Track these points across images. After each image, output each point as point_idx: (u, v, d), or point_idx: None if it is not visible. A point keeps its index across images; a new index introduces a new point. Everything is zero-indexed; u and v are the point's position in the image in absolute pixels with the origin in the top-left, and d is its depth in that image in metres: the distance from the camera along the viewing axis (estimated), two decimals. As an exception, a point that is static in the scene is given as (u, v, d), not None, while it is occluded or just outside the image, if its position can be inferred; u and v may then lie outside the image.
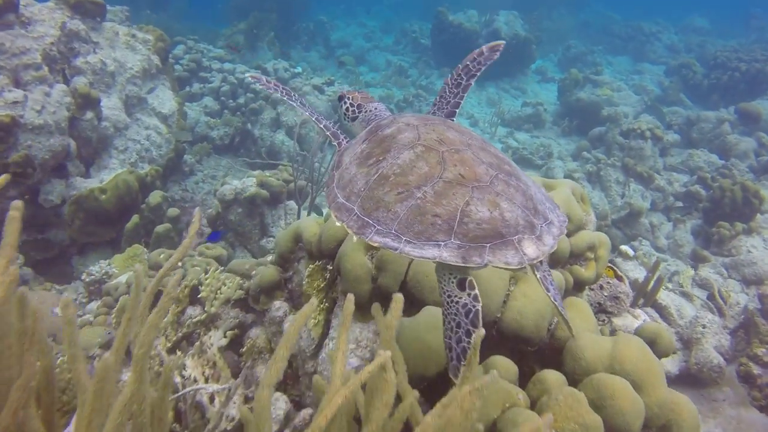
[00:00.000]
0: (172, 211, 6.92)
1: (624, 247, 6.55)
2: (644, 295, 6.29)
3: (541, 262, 2.69)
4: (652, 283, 6.22)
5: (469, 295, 2.55)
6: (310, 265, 3.94)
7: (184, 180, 10.48)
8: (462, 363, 2.48)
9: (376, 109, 3.51)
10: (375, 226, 2.54)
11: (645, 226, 9.67)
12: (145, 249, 6.71)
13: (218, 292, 4.40)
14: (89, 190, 7.06)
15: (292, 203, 7.45)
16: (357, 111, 3.53)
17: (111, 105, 7.57)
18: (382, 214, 2.54)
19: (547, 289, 2.78)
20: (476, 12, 19.20)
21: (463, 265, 2.39)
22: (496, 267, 2.42)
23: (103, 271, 6.25)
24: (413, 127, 2.90)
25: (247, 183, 7.02)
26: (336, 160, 3.14)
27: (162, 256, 5.63)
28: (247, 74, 3.72)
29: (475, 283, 2.56)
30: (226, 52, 13.69)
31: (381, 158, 2.75)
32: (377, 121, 3.27)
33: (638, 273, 6.66)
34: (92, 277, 6.19)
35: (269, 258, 4.83)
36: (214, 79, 12.17)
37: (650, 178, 10.58)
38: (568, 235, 4.12)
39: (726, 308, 6.96)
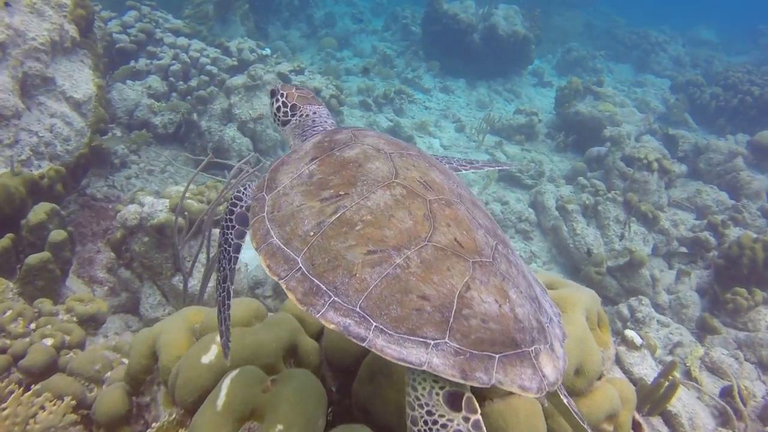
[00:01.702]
0: (56, 235, 5.30)
1: (630, 334, 5.14)
2: (652, 402, 4.89)
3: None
4: (663, 389, 4.82)
5: (466, 419, 1.79)
6: (155, 424, 2.42)
7: (113, 174, 8.86)
8: None
9: (314, 113, 2.85)
10: (330, 296, 1.83)
11: (645, 279, 8.28)
12: (11, 285, 5.11)
13: (31, 422, 2.86)
14: (-47, 196, 5.44)
15: (217, 232, 5.88)
16: (290, 113, 2.86)
17: (-3, 86, 5.91)
18: (342, 278, 1.85)
19: (582, 419, 2.14)
20: (474, 2, 17.56)
21: (461, 381, 1.73)
22: (506, 390, 1.77)
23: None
24: (385, 155, 2.23)
25: (157, 206, 5.42)
26: (266, 177, 2.34)
27: (8, 314, 4.05)
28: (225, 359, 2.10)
29: (476, 404, 1.81)
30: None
31: (342, 193, 2.07)
32: (328, 132, 2.58)
33: (646, 367, 5.25)
34: (-72, 322, 4.59)
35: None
36: (164, 54, 10.44)
37: (655, 218, 9.17)
38: (578, 394, 2.66)
39: (746, 412, 5.60)
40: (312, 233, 1.97)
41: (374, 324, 1.77)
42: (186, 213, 5.53)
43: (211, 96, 9.84)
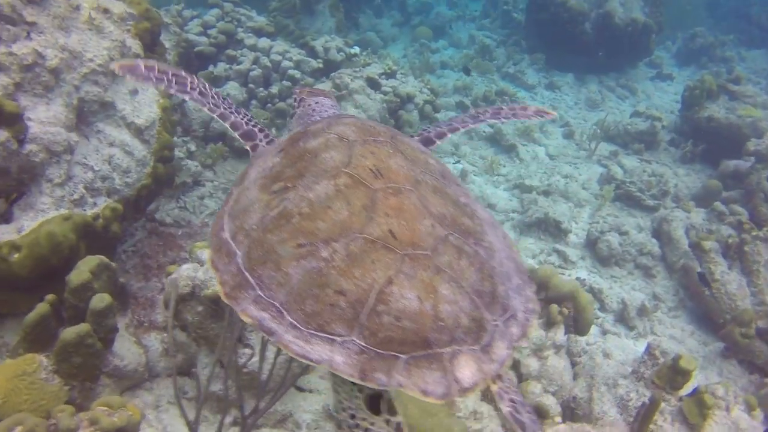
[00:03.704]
0: (98, 301, 4.50)
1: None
2: None
3: (499, 377, 1.87)
4: None
5: (387, 422, 1.87)
6: None
7: (185, 194, 8.20)
8: None
9: (317, 104, 2.98)
10: (255, 290, 1.84)
11: (811, 348, 6.63)
12: (45, 362, 4.40)
13: None
14: (-5, 246, 4.80)
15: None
16: (297, 106, 3.03)
17: (48, 117, 5.20)
18: (270, 272, 1.87)
19: (522, 426, 1.79)
20: (586, -13, 15.68)
21: (360, 382, 1.70)
22: (409, 394, 1.69)
23: (-31, 400, 3.99)
24: (347, 143, 2.22)
25: (211, 272, 4.54)
26: (245, 170, 2.45)
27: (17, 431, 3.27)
28: (114, 64, 2.77)
29: (396, 406, 1.91)
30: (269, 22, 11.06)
31: (290, 185, 2.09)
32: (312, 122, 2.71)
33: None
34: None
35: None
36: (244, 58, 9.65)
37: (820, 266, 7.41)
38: None
39: None
40: (255, 227, 1.98)
41: (288, 319, 1.76)
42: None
43: (291, 108, 8.94)
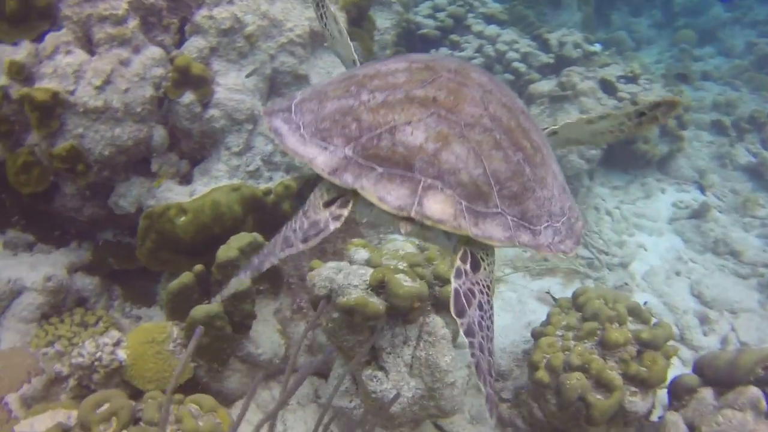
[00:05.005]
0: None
1: None
2: None
3: (468, 256, 1.85)
4: None
5: (332, 214, 1.85)
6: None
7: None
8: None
9: None
10: (289, 112, 2.04)
11: None
12: (176, 333, 4.23)
13: None
14: (165, 207, 4.81)
15: (437, 320, 4.12)
16: None
17: (235, 84, 5.06)
18: (310, 105, 2.04)
19: (460, 312, 1.76)
20: None
21: (327, 176, 1.79)
22: (366, 198, 1.73)
23: (99, 353, 3.96)
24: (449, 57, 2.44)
25: (353, 278, 3.90)
26: None
27: (102, 410, 3.02)
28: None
29: (349, 204, 1.85)
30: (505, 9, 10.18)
31: (371, 64, 2.23)
32: None
33: None
34: (81, 359, 3.95)
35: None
36: (467, 45, 8.95)
37: None
38: None
39: None
40: (324, 85, 2.13)
41: (300, 132, 1.92)
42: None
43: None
